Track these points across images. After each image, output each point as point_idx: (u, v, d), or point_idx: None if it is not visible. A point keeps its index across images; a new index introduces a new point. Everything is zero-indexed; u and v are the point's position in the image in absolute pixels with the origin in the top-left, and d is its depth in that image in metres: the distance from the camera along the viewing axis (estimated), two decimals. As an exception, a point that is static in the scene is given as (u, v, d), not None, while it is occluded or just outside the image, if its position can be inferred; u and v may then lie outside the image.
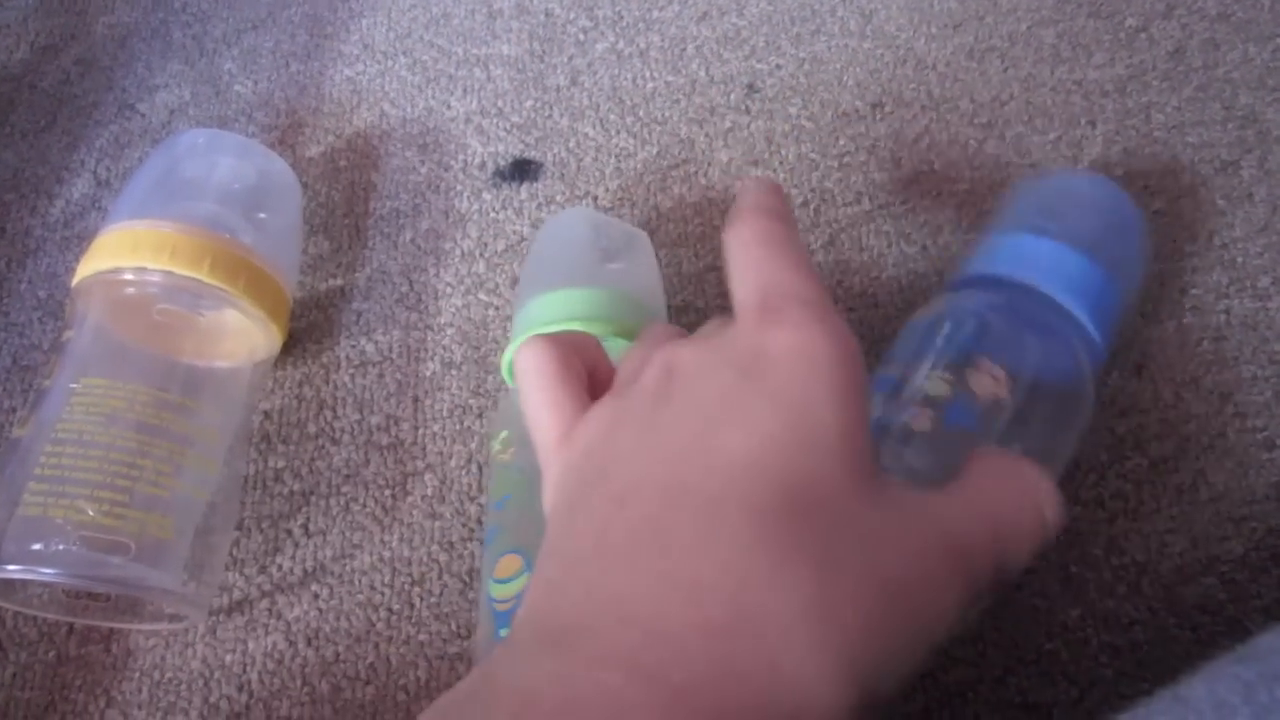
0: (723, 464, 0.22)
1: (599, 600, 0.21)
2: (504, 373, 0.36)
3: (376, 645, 0.34)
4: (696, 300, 0.41)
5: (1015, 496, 0.25)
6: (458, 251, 0.43)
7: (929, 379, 0.31)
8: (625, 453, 0.24)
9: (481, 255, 0.42)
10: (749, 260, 0.27)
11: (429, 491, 0.37)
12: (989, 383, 0.30)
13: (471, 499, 0.37)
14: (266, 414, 0.39)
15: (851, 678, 0.20)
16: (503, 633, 0.29)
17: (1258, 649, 0.22)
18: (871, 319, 0.39)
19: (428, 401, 0.39)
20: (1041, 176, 0.38)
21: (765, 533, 0.21)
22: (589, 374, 0.28)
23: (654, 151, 0.45)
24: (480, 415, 0.39)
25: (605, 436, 0.25)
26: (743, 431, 0.22)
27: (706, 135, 0.45)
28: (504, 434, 0.34)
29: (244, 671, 0.34)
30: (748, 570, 0.20)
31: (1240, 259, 0.39)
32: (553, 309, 0.34)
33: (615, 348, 0.33)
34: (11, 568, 0.30)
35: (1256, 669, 0.21)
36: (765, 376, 0.23)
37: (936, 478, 0.26)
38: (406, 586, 0.35)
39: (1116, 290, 0.34)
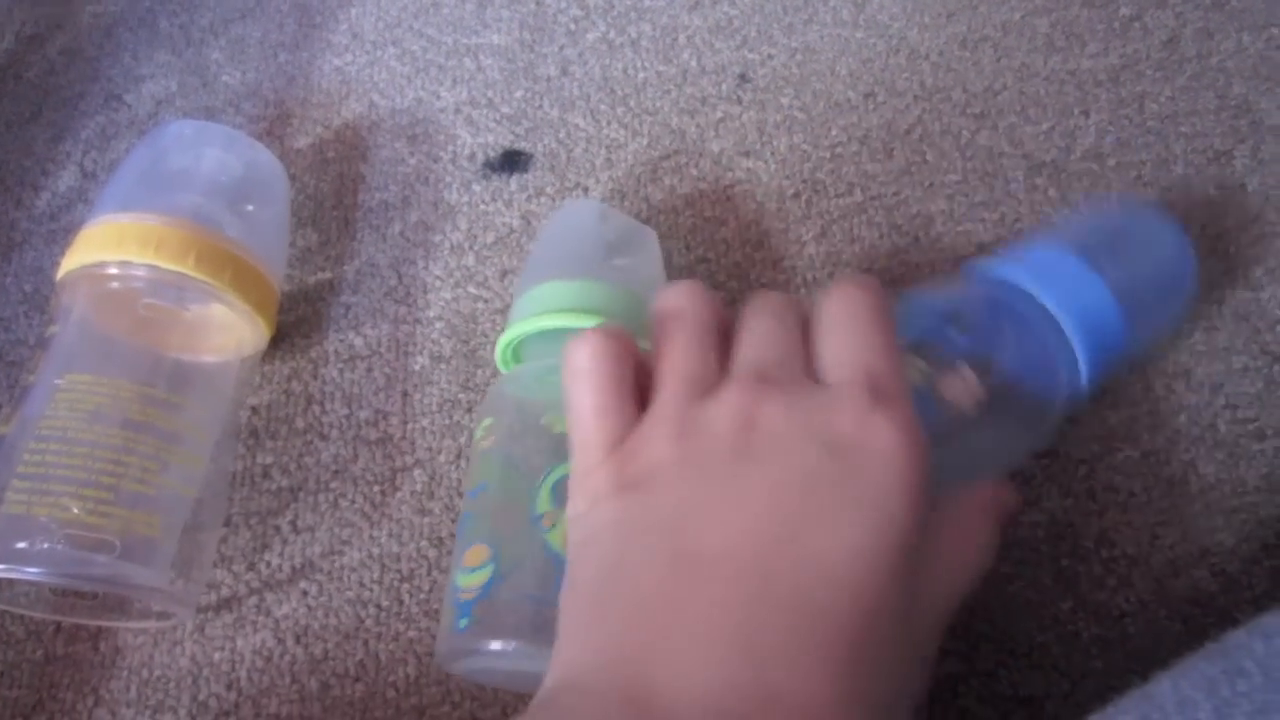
0: (813, 563, 0.22)
1: (677, 673, 0.21)
2: (498, 360, 0.36)
3: (366, 642, 0.34)
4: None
5: (974, 554, 0.27)
6: (447, 244, 0.42)
7: (907, 360, 0.30)
8: (701, 508, 0.23)
9: (471, 248, 0.42)
10: (860, 329, 0.26)
11: (418, 487, 0.37)
12: (960, 390, 0.30)
13: (461, 495, 0.37)
14: (254, 409, 0.39)
15: None
16: (463, 623, 0.29)
17: (1225, 645, 0.22)
18: (863, 311, 0.39)
19: (417, 396, 0.39)
20: (1120, 204, 0.37)
21: (846, 656, 0.21)
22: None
23: (645, 142, 0.44)
24: (470, 410, 0.38)
25: (674, 480, 0.24)
26: (835, 536, 0.22)
27: (698, 126, 0.45)
28: (488, 421, 0.34)
29: (233, 669, 0.34)
30: (826, 692, 0.21)
31: (1233, 249, 0.39)
32: (555, 299, 0.34)
33: None
34: (-5, 566, 0.30)
35: (1221, 665, 0.21)
36: (860, 473, 0.23)
37: None
38: (395, 583, 0.35)
39: (1130, 340, 0.33)
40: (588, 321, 0.33)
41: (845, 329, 0.26)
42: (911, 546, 0.23)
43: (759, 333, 0.27)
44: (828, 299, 0.28)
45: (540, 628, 0.27)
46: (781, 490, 0.23)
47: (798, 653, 0.21)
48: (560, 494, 0.30)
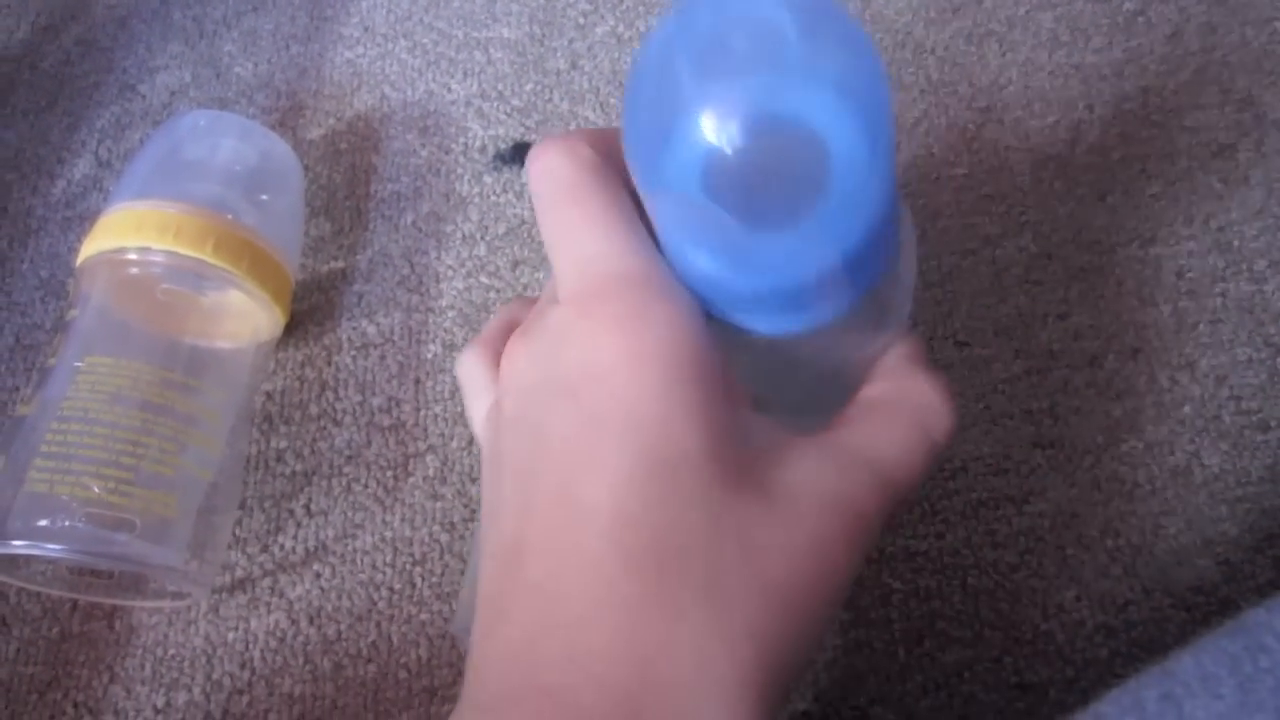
0: (591, 517, 0.20)
1: (522, 667, 0.20)
2: None
3: (378, 624, 0.35)
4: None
5: (897, 430, 0.23)
6: (459, 234, 0.43)
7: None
8: (507, 492, 0.23)
9: (482, 238, 0.43)
10: (558, 224, 0.23)
11: (430, 473, 0.37)
12: None
13: (473, 480, 0.37)
14: (269, 395, 0.39)
15: (761, 697, 0.20)
16: None
17: (1244, 623, 0.22)
18: (870, 302, 0.39)
19: (429, 383, 0.39)
20: None
21: (649, 588, 0.20)
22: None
23: (654, 135, 0.45)
24: (481, 396, 0.39)
25: (495, 442, 0.24)
26: (599, 480, 0.21)
27: (706, 119, 0.45)
28: None
29: (246, 649, 0.34)
30: (643, 633, 0.20)
31: (1236, 242, 0.39)
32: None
33: None
34: (17, 543, 0.30)
35: (1242, 642, 0.22)
36: (604, 401, 0.21)
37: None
38: (408, 566, 0.36)
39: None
40: None
41: (544, 227, 0.24)
42: (706, 438, 0.21)
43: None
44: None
45: None
46: (546, 455, 0.21)
47: (605, 610, 0.20)
48: None
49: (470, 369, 0.26)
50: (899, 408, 0.24)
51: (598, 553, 0.20)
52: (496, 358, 0.25)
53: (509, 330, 0.25)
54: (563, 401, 0.22)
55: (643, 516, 0.20)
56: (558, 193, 0.23)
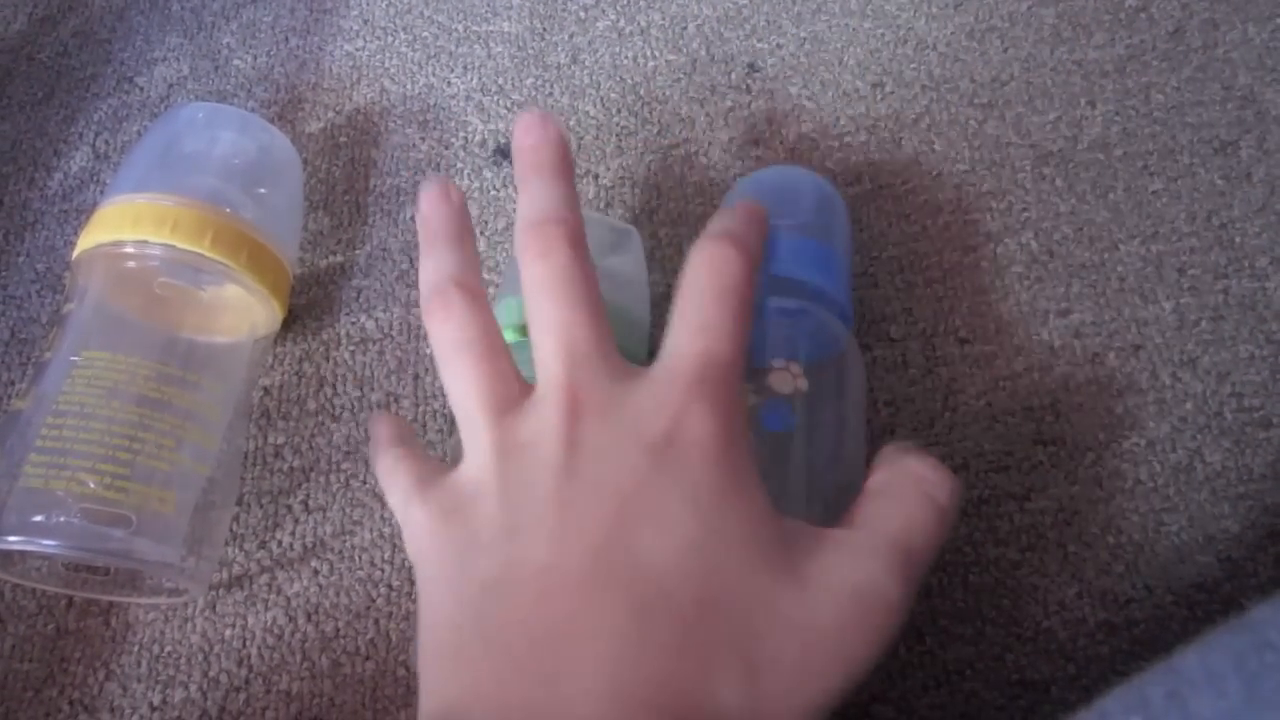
0: (645, 564, 0.22)
1: (519, 701, 0.21)
2: None
3: (376, 621, 0.35)
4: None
5: (906, 505, 0.26)
6: (458, 229, 0.43)
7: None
8: (529, 528, 0.23)
9: (482, 233, 0.42)
10: (707, 304, 0.26)
11: (429, 468, 0.37)
12: (788, 379, 0.31)
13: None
14: (266, 390, 0.39)
15: None
16: None
17: (1250, 620, 0.22)
18: (871, 299, 0.39)
19: (428, 379, 0.39)
20: (739, 185, 0.38)
21: (692, 639, 0.21)
22: None
23: (655, 130, 0.45)
24: (480, 392, 0.39)
25: (500, 502, 0.24)
26: (662, 533, 0.22)
27: (707, 114, 0.45)
28: None
29: (243, 646, 0.34)
30: (680, 679, 0.21)
31: (1238, 239, 0.39)
32: (513, 314, 0.34)
33: None
34: (12, 539, 0.30)
35: (1248, 638, 0.22)
36: (680, 467, 0.23)
37: (782, 480, 0.29)
38: (406, 563, 0.36)
39: (840, 256, 0.35)
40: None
41: (690, 304, 0.26)
42: (760, 518, 0.23)
43: (555, 323, 0.26)
44: (691, 258, 0.27)
45: None
46: (608, 500, 0.23)
47: (645, 653, 0.21)
48: None
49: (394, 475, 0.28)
50: (902, 484, 0.26)
51: (642, 599, 0.22)
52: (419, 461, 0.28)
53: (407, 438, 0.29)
54: (636, 453, 0.23)
55: (697, 577, 0.22)
56: (728, 284, 0.26)
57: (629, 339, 0.35)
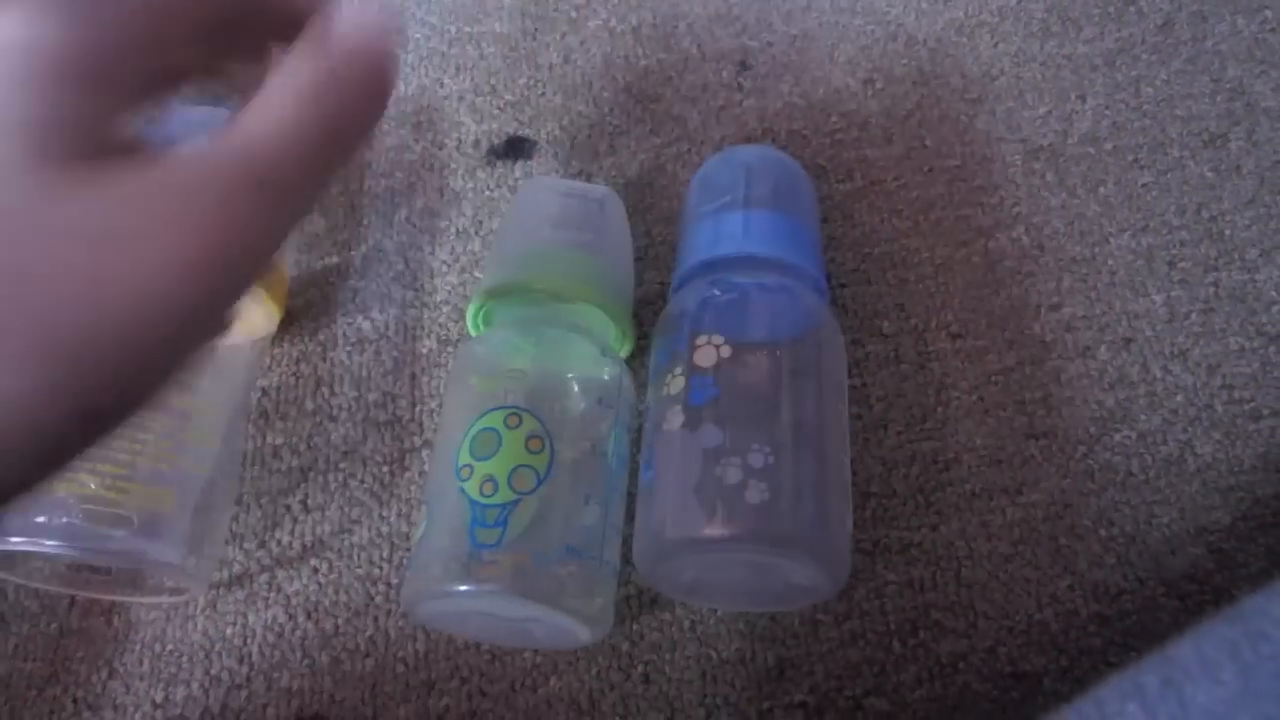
0: None
1: None
2: (469, 327, 0.37)
3: (375, 619, 0.35)
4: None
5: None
6: (453, 230, 0.43)
7: (667, 386, 0.32)
8: None
9: (476, 233, 0.43)
10: None
11: (426, 468, 0.38)
12: (710, 352, 0.31)
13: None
14: (265, 391, 0.39)
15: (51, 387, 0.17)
16: (406, 576, 0.31)
17: (1243, 610, 0.23)
18: (864, 295, 0.40)
19: (425, 379, 0.39)
20: (701, 168, 0.39)
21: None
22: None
23: (647, 129, 0.45)
24: (476, 391, 0.39)
25: None
26: None
27: (699, 113, 0.45)
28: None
29: (244, 644, 0.35)
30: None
31: (1228, 232, 0.40)
32: (505, 267, 0.35)
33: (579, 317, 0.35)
34: (14, 540, 0.30)
35: (1242, 628, 0.22)
36: None
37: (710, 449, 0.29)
38: (404, 561, 0.36)
39: (807, 229, 0.36)
40: (536, 284, 0.34)
41: None
42: (30, 118, 0.18)
43: None
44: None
45: (456, 574, 0.29)
46: None
47: None
48: (477, 447, 0.31)
49: None
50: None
51: None
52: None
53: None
54: None
55: None
56: None
57: (617, 299, 0.36)
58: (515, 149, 0.45)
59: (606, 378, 0.34)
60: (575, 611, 0.30)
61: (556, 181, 0.40)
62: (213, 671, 0.34)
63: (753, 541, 0.29)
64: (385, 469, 0.38)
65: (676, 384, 0.32)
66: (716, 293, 0.33)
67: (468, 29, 0.49)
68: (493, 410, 0.32)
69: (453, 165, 0.45)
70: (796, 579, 0.31)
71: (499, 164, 0.44)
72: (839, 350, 0.34)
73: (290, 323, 0.41)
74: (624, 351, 0.37)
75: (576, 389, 0.33)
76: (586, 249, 0.36)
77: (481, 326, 0.37)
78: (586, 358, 0.34)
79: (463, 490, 0.31)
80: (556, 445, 0.31)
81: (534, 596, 0.29)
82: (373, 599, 0.35)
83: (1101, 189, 0.41)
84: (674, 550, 0.30)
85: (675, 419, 0.31)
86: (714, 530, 0.29)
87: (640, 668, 0.33)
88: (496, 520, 0.30)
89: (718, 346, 0.31)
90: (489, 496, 0.30)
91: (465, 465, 0.31)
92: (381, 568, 0.36)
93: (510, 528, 0.30)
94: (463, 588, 0.29)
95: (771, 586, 0.32)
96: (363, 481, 0.37)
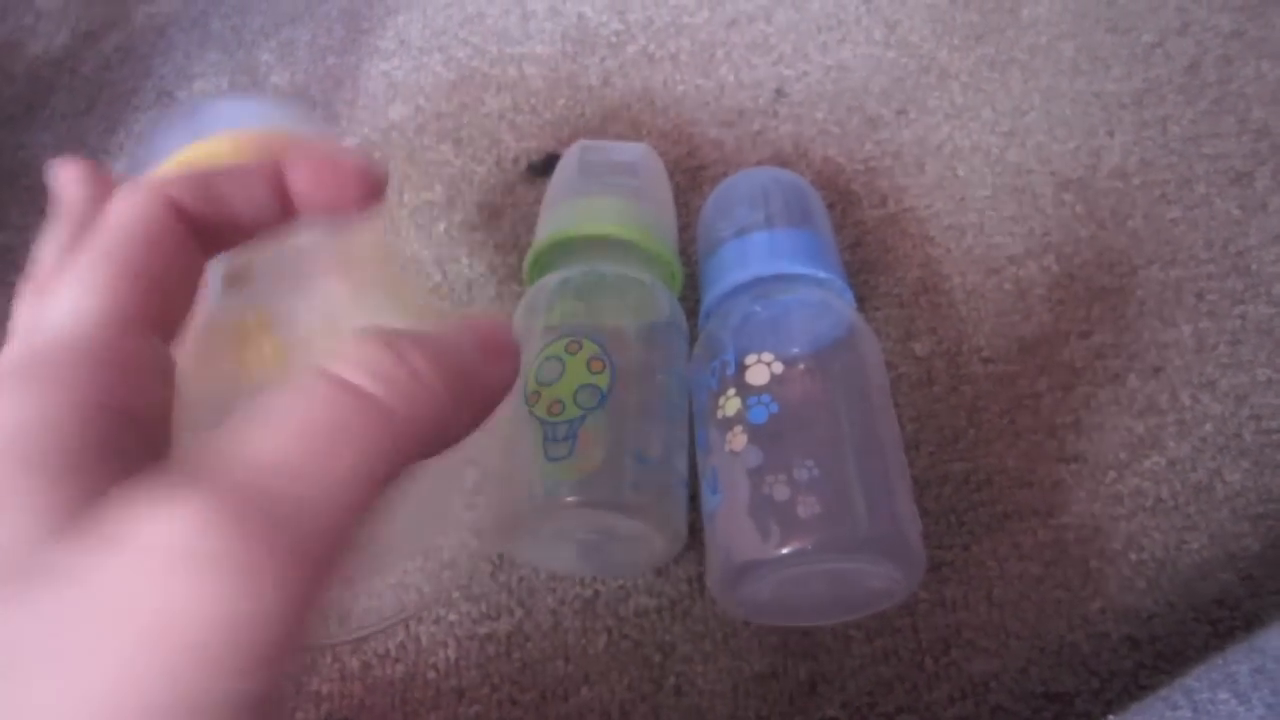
0: None
1: None
2: (526, 279, 0.38)
3: (406, 625, 0.35)
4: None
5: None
6: (491, 243, 0.43)
7: (722, 409, 0.32)
8: None
9: (515, 247, 0.43)
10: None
11: (467, 483, 0.38)
12: (762, 371, 0.32)
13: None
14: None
15: None
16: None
17: None
18: (898, 318, 0.40)
19: (460, 387, 0.40)
20: (710, 198, 0.40)
21: None
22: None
23: (684, 151, 0.46)
24: (513, 401, 0.39)
25: None
26: None
27: (735, 137, 0.46)
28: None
29: (278, 645, 0.35)
30: None
31: (1255, 266, 0.40)
32: (560, 218, 0.37)
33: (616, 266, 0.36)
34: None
35: None
36: None
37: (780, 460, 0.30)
38: (436, 569, 0.36)
39: (821, 238, 0.37)
40: (586, 230, 0.36)
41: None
42: None
43: None
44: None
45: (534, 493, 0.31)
46: None
47: None
48: (542, 375, 0.33)
49: None
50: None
51: None
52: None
53: None
54: None
55: None
56: None
57: (663, 238, 0.37)
58: (553, 166, 0.45)
59: (660, 305, 0.36)
60: (649, 517, 0.31)
61: (599, 143, 0.41)
62: (246, 670, 0.34)
63: (816, 551, 0.29)
64: (421, 475, 0.38)
65: (732, 405, 0.32)
66: (758, 309, 0.34)
67: (509, 50, 0.50)
68: (554, 341, 0.33)
69: (492, 181, 0.45)
70: (872, 582, 0.31)
71: (537, 180, 0.45)
72: (877, 350, 0.34)
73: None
74: (675, 287, 0.38)
75: (632, 316, 0.35)
76: (632, 194, 0.37)
77: (536, 277, 0.38)
78: (639, 290, 0.36)
79: (531, 412, 0.32)
80: (617, 363, 0.33)
81: (608, 505, 0.30)
82: (404, 606, 0.35)
83: (1130, 222, 0.42)
84: (766, 569, 0.30)
85: (738, 439, 0.31)
86: (779, 547, 0.29)
87: (672, 679, 0.33)
88: (567, 434, 0.31)
89: (768, 364, 0.32)
90: (556, 415, 0.31)
91: (533, 392, 0.32)
92: (414, 575, 0.36)
93: (580, 441, 0.31)
94: (539, 505, 0.31)
95: (851, 594, 0.32)
96: (398, 487, 0.38)
